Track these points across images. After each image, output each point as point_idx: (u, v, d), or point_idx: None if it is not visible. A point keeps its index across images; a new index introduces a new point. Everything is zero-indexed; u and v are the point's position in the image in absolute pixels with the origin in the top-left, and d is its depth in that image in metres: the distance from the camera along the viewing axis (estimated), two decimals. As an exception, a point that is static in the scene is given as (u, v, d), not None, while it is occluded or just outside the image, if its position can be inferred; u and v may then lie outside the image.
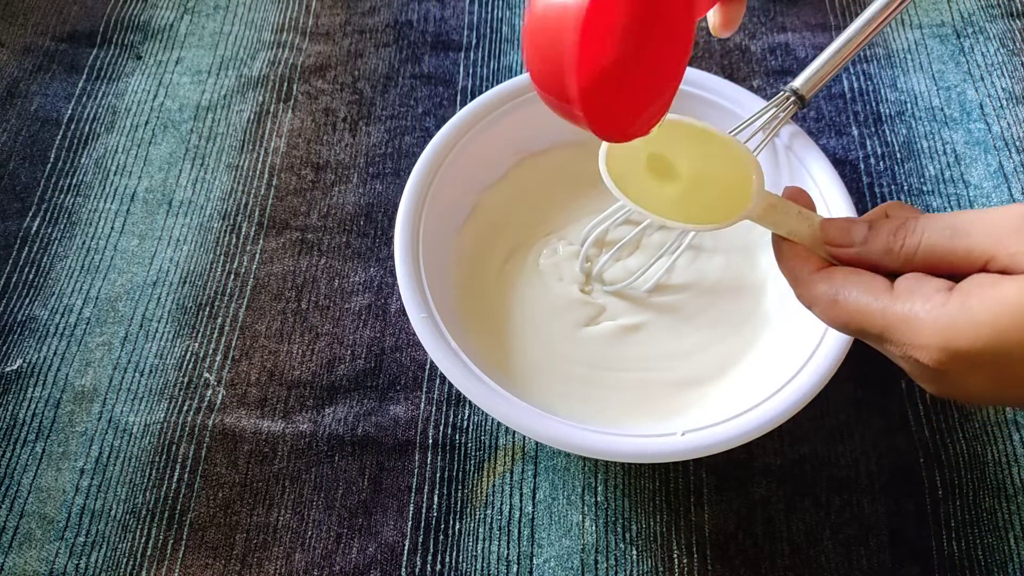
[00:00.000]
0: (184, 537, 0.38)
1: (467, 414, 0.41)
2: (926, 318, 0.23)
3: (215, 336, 0.43)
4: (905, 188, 0.47)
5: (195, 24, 0.55)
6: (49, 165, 0.49)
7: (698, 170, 0.32)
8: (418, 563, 0.37)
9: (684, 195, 0.32)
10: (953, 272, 0.24)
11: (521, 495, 0.39)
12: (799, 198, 0.30)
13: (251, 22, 0.55)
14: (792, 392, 0.34)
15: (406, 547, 0.38)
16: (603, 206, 0.42)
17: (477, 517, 0.38)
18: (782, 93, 0.40)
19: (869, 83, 0.52)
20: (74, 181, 0.48)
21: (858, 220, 0.27)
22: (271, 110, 0.51)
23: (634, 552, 0.37)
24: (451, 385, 0.41)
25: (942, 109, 0.50)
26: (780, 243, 0.29)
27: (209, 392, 0.41)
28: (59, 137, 0.50)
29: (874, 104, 0.51)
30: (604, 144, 0.32)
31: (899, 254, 0.25)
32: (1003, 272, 0.23)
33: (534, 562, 0.37)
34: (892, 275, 0.26)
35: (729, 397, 0.38)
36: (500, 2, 0.56)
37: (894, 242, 0.26)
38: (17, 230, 0.46)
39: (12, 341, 0.43)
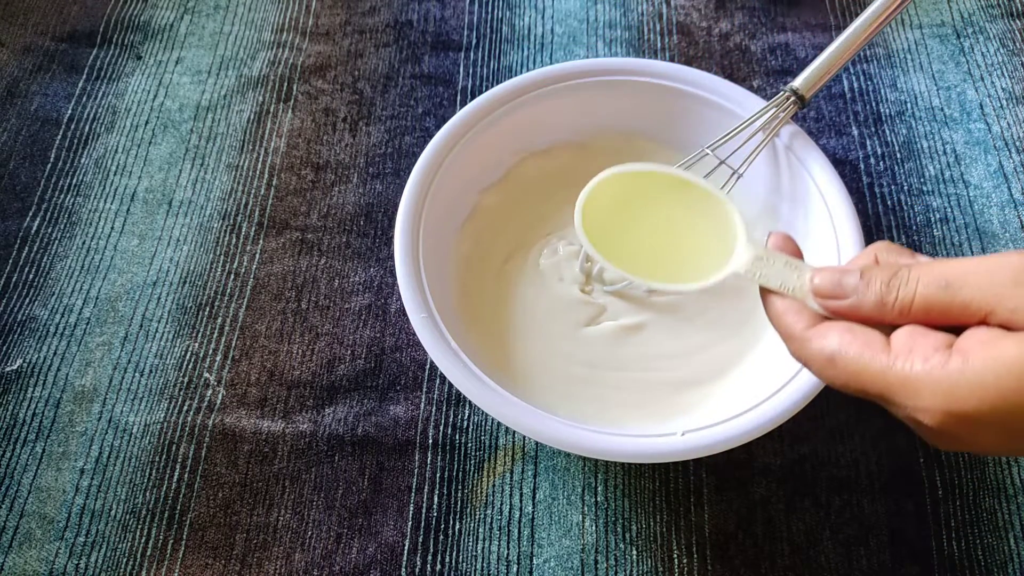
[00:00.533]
0: (184, 537, 0.38)
1: (467, 414, 0.41)
2: (927, 380, 0.22)
3: (215, 336, 0.43)
4: (905, 188, 0.47)
5: (195, 24, 0.55)
6: (49, 165, 0.49)
7: (678, 222, 0.31)
8: (418, 563, 0.37)
9: (664, 250, 0.31)
10: (951, 324, 0.24)
11: (521, 495, 0.39)
12: (785, 246, 0.29)
13: (251, 22, 0.55)
14: (792, 392, 0.34)
15: (406, 547, 0.38)
16: (603, 206, 0.41)
17: (477, 517, 0.38)
18: (782, 93, 0.40)
19: (869, 83, 0.52)
20: (74, 181, 0.48)
21: (848, 270, 0.26)
22: (271, 110, 0.51)
23: (634, 552, 0.37)
24: (451, 385, 0.41)
25: (942, 109, 0.50)
26: (769, 297, 0.28)
27: (209, 392, 0.41)
28: (59, 137, 0.50)
29: (874, 104, 0.51)
30: (579, 200, 0.31)
31: (893, 307, 0.24)
32: (1003, 326, 0.22)
33: (534, 562, 0.37)
34: (889, 328, 0.25)
35: (729, 397, 0.38)
36: (500, 2, 0.56)
37: (887, 294, 0.25)
38: (17, 230, 0.46)
39: (12, 341, 0.43)
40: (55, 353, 0.43)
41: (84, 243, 0.46)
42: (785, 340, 0.27)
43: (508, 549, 0.38)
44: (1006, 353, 0.21)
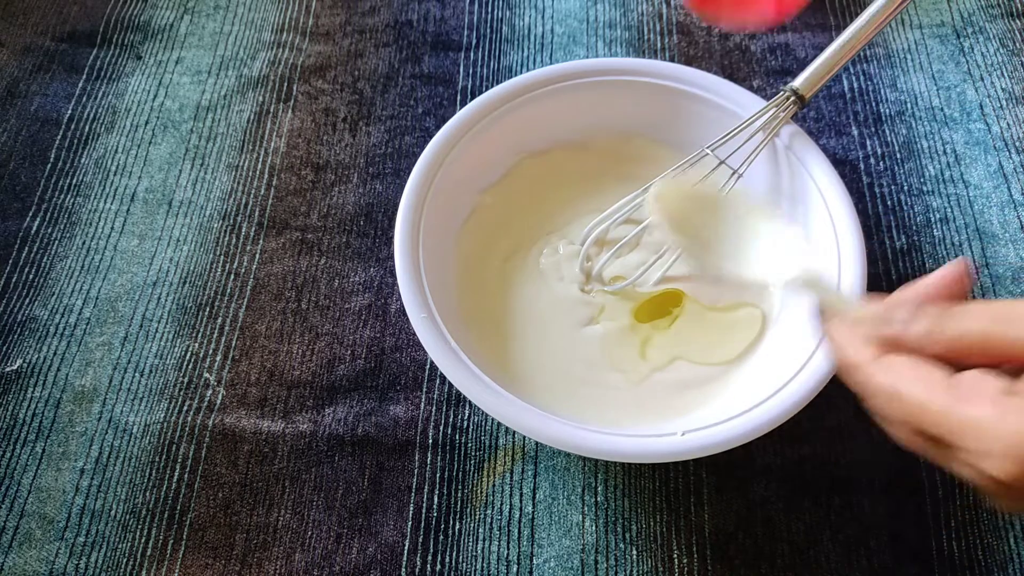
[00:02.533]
0: (184, 537, 0.38)
1: (467, 414, 0.41)
2: (994, 425, 0.21)
3: (215, 336, 0.43)
4: (905, 188, 0.47)
5: (195, 24, 0.55)
6: (49, 165, 0.49)
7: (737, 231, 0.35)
8: (418, 563, 0.37)
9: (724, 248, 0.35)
10: (1009, 363, 0.23)
11: (521, 495, 0.39)
12: (952, 285, 0.27)
13: (251, 22, 0.55)
14: (792, 392, 0.34)
15: (406, 547, 0.38)
16: (603, 205, 0.42)
17: (477, 517, 0.38)
18: (782, 93, 0.40)
19: (869, 83, 0.52)
20: (74, 181, 0.48)
21: (900, 300, 0.26)
22: (271, 110, 0.51)
23: (634, 552, 0.37)
24: (451, 385, 0.41)
25: (942, 109, 0.50)
26: (834, 324, 0.27)
27: (209, 392, 0.41)
28: (59, 137, 0.50)
29: (874, 104, 0.51)
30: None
31: (943, 335, 0.24)
32: None
33: (534, 562, 0.37)
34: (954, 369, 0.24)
35: (729, 397, 0.38)
36: (500, 2, 0.56)
37: (937, 325, 0.24)
38: (17, 230, 0.46)
39: (12, 341, 0.43)
40: (55, 353, 0.43)
41: (84, 243, 0.46)
42: (847, 369, 0.27)
43: (508, 549, 0.38)
44: None
